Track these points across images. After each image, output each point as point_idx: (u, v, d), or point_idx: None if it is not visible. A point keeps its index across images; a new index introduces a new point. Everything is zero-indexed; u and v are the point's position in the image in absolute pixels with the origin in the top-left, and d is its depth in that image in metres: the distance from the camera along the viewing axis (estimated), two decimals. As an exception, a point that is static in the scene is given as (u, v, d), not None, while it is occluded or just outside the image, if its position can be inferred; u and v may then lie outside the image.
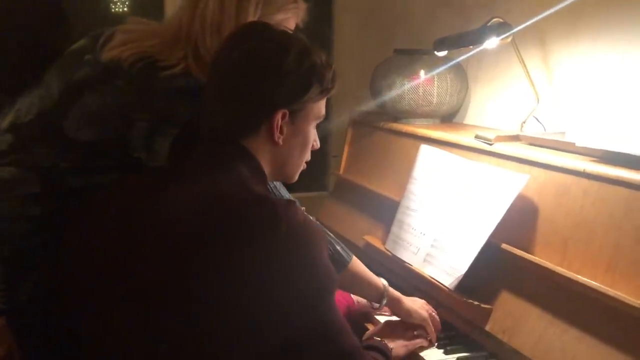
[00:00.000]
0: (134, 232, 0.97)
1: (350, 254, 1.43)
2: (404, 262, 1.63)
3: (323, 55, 1.09)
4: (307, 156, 1.16)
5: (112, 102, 1.15)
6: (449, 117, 2.07)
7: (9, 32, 2.51)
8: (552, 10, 1.51)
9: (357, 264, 1.43)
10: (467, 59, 1.98)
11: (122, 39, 1.19)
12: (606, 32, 1.53)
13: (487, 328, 1.37)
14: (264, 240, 0.91)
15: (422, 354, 1.40)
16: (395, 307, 1.46)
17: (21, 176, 1.14)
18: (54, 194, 1.14)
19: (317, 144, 1.16)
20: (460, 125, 2.00)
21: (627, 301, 1.12)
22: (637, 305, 1.10)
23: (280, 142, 1.06)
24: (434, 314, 1.47)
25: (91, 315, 0.98)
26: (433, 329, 1.44)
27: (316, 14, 2.80)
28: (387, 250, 1.72)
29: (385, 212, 1.81)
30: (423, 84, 1.89)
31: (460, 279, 1.43)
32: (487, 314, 1.38)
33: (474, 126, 1.95)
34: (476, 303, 1.39)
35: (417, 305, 1.46)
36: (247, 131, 1.05)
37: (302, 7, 1.30)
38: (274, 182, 1.27)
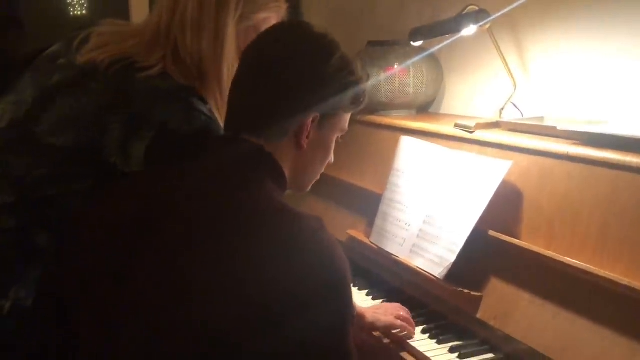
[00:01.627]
0: (146, 236, 0.93)
1: None
2: (391, 254, 1.62)
3: (360, 66, 1.08)
4: (324, 167, 1.13)
5: (87, 105, 1.11)
6: (425, 108, 2.08)
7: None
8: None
9: None
10: (440, 48, 1.99)
11: (98, 42, 1.15)
12: (580, 15, 1.55)
13: (479, 316, 1.38)
14: (287, 256, 0.87)
15: (414, 344, 1.40)
16: (359, 323, 1.43)
17: None
18: (29, 204, 1.10)
19: (332, 159, 1.13)
20: (438, 115, 2.00)
21: (616, 280, 1.13)
22: (626, 284, 1.12)
23: (305, 146, 1.03)
24: (403, 314, 1.45)
25: (92, 319, 0.94)
26: (403, 327, 1.43)
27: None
28: (373, 244, 1.71)
29: (368, 206, 1.80)
30: (399, 75, 1.89)
31: (449, 268, 1.43)
32: (478, 301, 1.38)
33: (451, 115, 1.96)
34: (466, 291, 1.39)
35: (380, 313, 1.45)
36: (276, 132, 1.02)
37: (284, 6, 1.28)
38: None
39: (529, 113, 1.68)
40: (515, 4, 1.49)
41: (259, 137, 1.02)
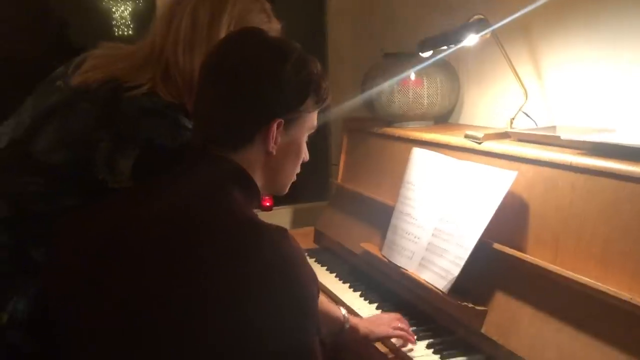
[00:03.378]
0: (116, 252, 0.95)
1: None
2: (399, 267, 1.60)
3: (319, 64, 1.08)
4: (298, 168, 1.14)
5: (77, 125, 1.15)
6: (444, 118, 2.05)
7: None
8: (534, 6, 1.48)
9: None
10: (458, 58, 1.96)
11: (92, 64, 1.20)
12: (592, 25, 1.50)
13: (483, 330, 1.34)
14: (249, 268, 0.87)
15: (416, 359, 1.38)
16: (353, 335, 1.42)
17: None
18: (21, 220, 1.14)
19: (307, 156, 1.14)
20: (454, 126, 1.97)
21: (618, 295, 1.09)
22: (628, 299, 1.07)
23: (274, 152, 1.04)
24: (400, 324, 1.44)
25: (77, 333, 0.97)
26: (400, 336, 1.41)
27: (309, 21, 2.82)
28: (384, 257, 1.69)
29: (382, 218, 1.78)
30: (412, 86, 1.87)
31: (453, 281, 1.40)
32: (482, 315, 1.35)
33: (467, 126, 1.92)
34: (470, 305, 1.36)
35: (375, 324, 1.44)
36: (241, 141, 1.02)
37: (276, 26, 1.29)
38: None
39: (543, 122, 1.64)
40: (521, 12, 1.46)
41: (226, 148, 1.02)
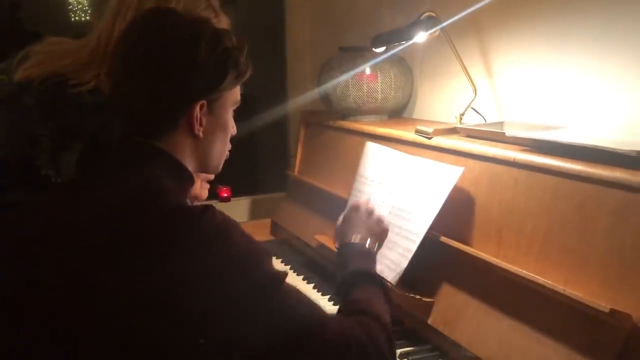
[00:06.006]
0: (42, 249, 0.93)
1: None
2: (351, 259, 1.63)
3: (233, 37, 1.04)
4: (229, 144, 1.13)
5: (19, 120, 1.14)
6: (398, 113, 2.08)
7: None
8: (482, 4, 1.52)
9: None
10: (412, 54, 1.99)
11: (36, 60, 1.19)
12: (542, 24, 1.54)
13: (429, 321, 1.38)
14: (182, 252, 0.87)
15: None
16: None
17: None
18: None
19: (234, 130, 1.13)
20: (408, 120, 2.01)
21: (554, 288, 1.13)
22: (563, 292, 1.11)
23: (201, 134, 1.03)
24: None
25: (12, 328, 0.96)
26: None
27: (269, 16, 2.81)
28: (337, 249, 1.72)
29: (337, 211, 1.80)
30: (367, 80, 1.90)
31: (401, 273, 1.43)
32: (429, 307, 1.39)
33: (420, 120, 1.96)
34: (418, 297, 1.39)
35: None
36: (165, 129, 1.01)
37: (224, 21, 1.30)
38: None
39: (492, 119, 1.68)
40: (471, 9, 1.50)
41: (151, 137, 1.00)
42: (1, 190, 1.13)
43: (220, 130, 1.07)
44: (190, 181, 1.06)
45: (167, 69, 0.98)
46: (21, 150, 1.14)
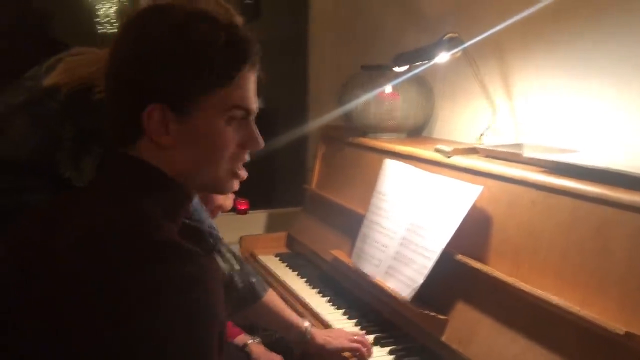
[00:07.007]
0: (24, 265, 0.87)
1: (267, 287, 1.47)
2: (367, 275, 1.64)
3: (218, 25, 0.88)
4: (231, 160, 0.93)
5: (44, 123, 1.18)
6: (417, 131, 2.10)
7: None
8: (505, 24, 1.54)
9: (274, 299, 1.48)
10: (434, 74, 2.01)
11: (64, 67, 1.22)
12: (563, 49, 1.56)
13: (443, 339, 1.39)
14: (131, 296, 0.77)
15: (379, 365, 1.42)
16: (311, 344, 1.47)
17: None
18: None
19: (254, 144, 0.94)
20: (427, 139, 2.03)
21: (570, 309, 1.14)
22: (580, 314, 1.12)
23: (163, 141, 0.88)
24: (357, 337, 1.48)
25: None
26: (356, 349, 1.45)
27: (293, 34, 2.85)
28: (353, 264, 1.73)
29: (354, 226, 1.82)
30: (388, 98, 1.92)
31: (416, 290, 1.45)
32: (443, 324, 1.40)
33: (439, 139, 1.97)
34: (432, 314, 1.40)
35: (332, 337, 1.48)
36: (131, 137, 0.90)
37: (238, 19, 1.32)
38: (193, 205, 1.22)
39: (510, 140, 1.69)
40: (492, 30, 1.52)
41: (123, 144, 0.92)
42: (26, 190, 1.16)
43: (201, 140, 0.89)
44: (180, 195, 0.93)
45: (123, 67, 0.90)
46: (45, 151, 1.17)
